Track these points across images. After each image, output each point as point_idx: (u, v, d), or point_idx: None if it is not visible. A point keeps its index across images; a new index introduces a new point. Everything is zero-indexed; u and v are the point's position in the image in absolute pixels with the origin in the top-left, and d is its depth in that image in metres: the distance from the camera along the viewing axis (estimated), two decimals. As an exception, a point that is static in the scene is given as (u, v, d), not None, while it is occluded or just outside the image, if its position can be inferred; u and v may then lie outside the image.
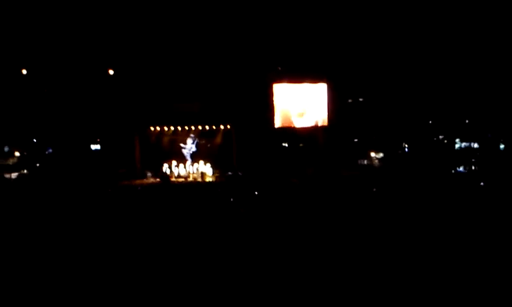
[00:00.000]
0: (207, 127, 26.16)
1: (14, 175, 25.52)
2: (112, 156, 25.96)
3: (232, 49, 25.18)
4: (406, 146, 26.65)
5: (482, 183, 19.94)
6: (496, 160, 23.81)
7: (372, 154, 26.48)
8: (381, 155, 26.46)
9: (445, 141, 26.04)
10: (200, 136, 26.40)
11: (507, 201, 16.04)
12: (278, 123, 26.30)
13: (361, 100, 27.34)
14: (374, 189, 19.58)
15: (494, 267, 9.15)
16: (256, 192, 19.96)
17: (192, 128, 26.18)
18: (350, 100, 27.38)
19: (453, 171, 23.54)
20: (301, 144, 26.47)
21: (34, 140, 26.78)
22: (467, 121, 25.98)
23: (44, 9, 23.13)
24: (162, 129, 26.31)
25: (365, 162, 26.37)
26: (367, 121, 26.58)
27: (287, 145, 26.85)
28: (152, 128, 26.29)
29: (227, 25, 24.63)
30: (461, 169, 23.79)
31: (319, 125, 26.39)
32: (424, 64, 25.32)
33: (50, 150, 26.70)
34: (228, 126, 26.20)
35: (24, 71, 24.97)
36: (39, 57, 24.57)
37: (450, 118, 26.01)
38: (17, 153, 26.84)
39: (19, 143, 26.70)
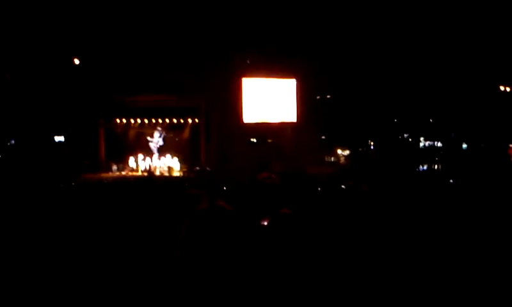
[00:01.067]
0: (175, 120, 25.86)
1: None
2: (76, 148, 25.41)
3: (200, 41, 24.93)
4: (372, 143, 27.06)
5: (451, 181, 20.41)
6: (459, 159, 24.45)
7: (339, 151, 26.78)
8: (347, 152, 26.77)
9: (410, 140, 26.57)
10: (167, 129, 26.09)
11: (474, 198, 16.47)
12: (246, 118, 26.18)
13: (328, 97, 27.57)
14: (343, 186, 19.77)
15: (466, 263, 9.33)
16: (224, 188, 19.87)
17: (160, 121, 25.85)
18: (318, 97, 27.57)
19: (417, 169, 24.04)
20: (269, 140, 26.49)
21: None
22: (431, 121, 26.54)
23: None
24: (128, 121, 25.90)
25: (332, 159, 26.63)
26: (334, 118, 26.82)
27: (255, 140, 26.82)
28: (118, 120, 25.85)
29: (195, 16, 24.35)
30: (425, 167, 24.32)
31: (287, 121, 26.44)
32: (390, 63, 25.71)
33: (13, 141, 25.93)
34: (197, 120, 25.96)
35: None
36: (1, 44, 23.76)
37: (414, 116, 26.53)
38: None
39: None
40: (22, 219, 13.86)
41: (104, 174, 24.00)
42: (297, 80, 26.35)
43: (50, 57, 24.26)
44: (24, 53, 23.96)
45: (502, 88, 25.04)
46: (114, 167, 24.87)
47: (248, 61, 26.39)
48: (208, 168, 24.46)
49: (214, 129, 25.69)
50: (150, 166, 24.83)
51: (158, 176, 24.05)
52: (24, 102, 24.79)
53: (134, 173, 24.64)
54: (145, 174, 24.29)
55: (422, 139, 26.25)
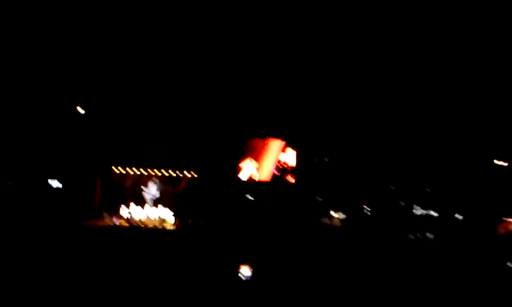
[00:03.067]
0: (172, 173, 25.96)
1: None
2: (72, 194, 25.38)
3: (203, 101, 25.52)
4: (368, 209, 27.00)
5: (440, 250, 20.34)
6: (453, 230, 24.36)
7: (334, 214, 26.69)
8: (342, 215, 26.69)
9: (405, 207, 26.53)
10: (163, 182, 26.11)
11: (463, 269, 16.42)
12: (243, 176, 26.49)
13: (326, 160, 27.80)
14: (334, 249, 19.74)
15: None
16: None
17: (157, 172, 25.93)
18: (316, 160, 27.81)
19: (411, 237, 23.91)
20: (264, 198, 26.52)
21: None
22: (428, 190, 26.60)
23: (13, 39, 23.01)
24: (126, 171, 25.98)
25: (327, 221, 26.51)
26: (330, 182, 26.97)
27: (251, 198, 26.82)
28: (115, 170, 25.93)
29: (198, 76, 25.01)
30: (419, 235, 24.17)
31: (285, 181, 26.68)
32: (388, 132, 26.13)
33: (9, 183, 25.94)
34: (194, 174, 26.07)
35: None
36: (5, 87, 24.27)
37: (410, 184, 26.62)
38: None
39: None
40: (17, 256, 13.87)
41: (95, 222, 23.85)
42: (295, 144, 26.83)
43: (52, 103, 24.71)
44: (25, 97, 24.43)
45: (497, 162, 25.33)
46: (106, 216, 24.71)
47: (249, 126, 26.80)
48: (200, 221, 24.38)
49: (210, 184, 25.77)
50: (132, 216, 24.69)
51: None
52: (22, 146, 25.04)
53: (125, 223, 24.44)
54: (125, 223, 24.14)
55: (417, 207, 26.24)
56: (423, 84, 24.95)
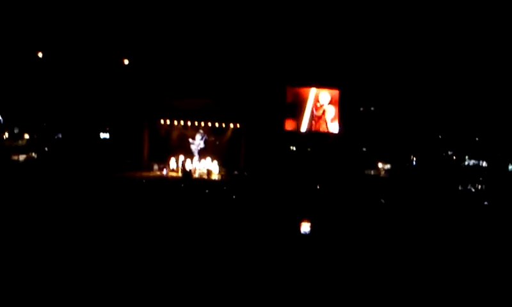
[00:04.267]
0: (217, 124, 26.09)
1: (22, 157, 25.59)
2: (121, 146, 26.00)
3: (247, 49, 25.25)
4: (414, 159, 26.49)
5: (485, 203, 19.92)
6: (504, 181, 23.68)
7: (380, 165, 26.34)
8: (388, 166, 26.29)
9: (454, 157, 25.88)
10: (209, 133, 26.33)
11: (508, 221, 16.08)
12: (288, 126, 26.29)
13: (372, 109, 27.24)
14: (382, 200, 19.58)
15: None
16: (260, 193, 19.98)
17: (202, 124, 26.13)
18: (361, 109, 27.28)
19: (460, 188, 23.42)
20: (309, 149, 26.37)
21: (45, 124, 26.86)
22: (477, 139, 25.84)
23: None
24: (172, 123, 26.28)
25: (372, 172, 26.21)
26: (376, 131, 26.47)
27: (294, 149, 26.74)
28: (162, 121, 26.28)
29: (243, 26, 24.70)
30: (469, 186, 23.64)
31: (329, 131, 26.28)
32: (439, 81, 25.27)
33: (60, 135, 26.78)
34: (238, 125, 26.11)
35: (40, 55, 25.10)
36: (56, 42, 24.70)
37: (460, 134, 25.89)
38: (26, 136, 26.96)
39: (29, 126, 26.82)
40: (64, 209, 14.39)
41: (145, 174, 24.46)
42: (340, 91, 26.17)
43: (101, 57, 25.05)
44: (76, 52, 24.85)
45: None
46: (156, 167, 25.26)
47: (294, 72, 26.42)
48: (246, 173, 24.59)
49: (255, 135, 25.76)
50: (185, 167, 25.04)
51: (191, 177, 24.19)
52: (73, 99, 25.65)
53: (174, 174, 24.97)
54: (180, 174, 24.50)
55: (466, 157, 25.52)
56: (473, 32, 23.89)
